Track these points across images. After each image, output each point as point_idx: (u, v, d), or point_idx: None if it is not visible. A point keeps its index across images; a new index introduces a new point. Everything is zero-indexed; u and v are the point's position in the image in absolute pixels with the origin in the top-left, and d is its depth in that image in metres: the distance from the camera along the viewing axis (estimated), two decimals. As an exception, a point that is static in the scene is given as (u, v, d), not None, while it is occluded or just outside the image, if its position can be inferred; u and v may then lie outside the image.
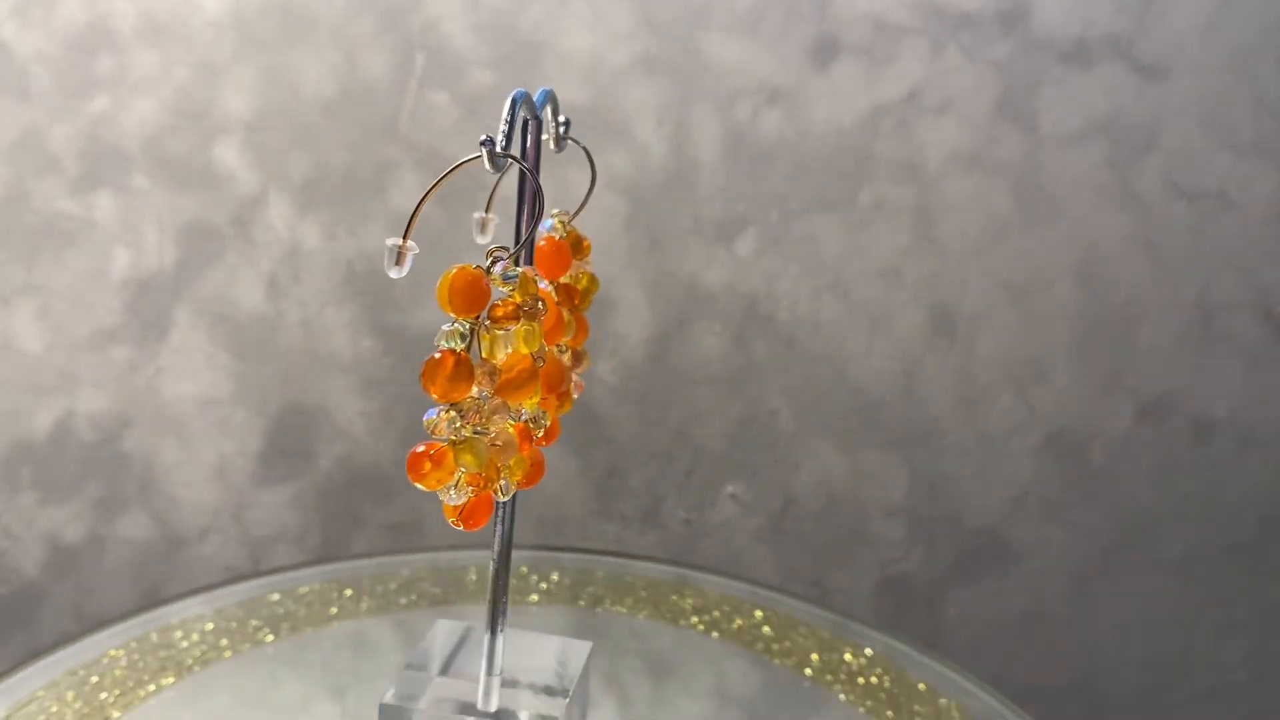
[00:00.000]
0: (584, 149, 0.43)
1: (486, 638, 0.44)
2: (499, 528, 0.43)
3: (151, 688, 0.55)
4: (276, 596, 0.63)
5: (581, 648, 0.49)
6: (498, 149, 0.36)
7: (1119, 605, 0.88)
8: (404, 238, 0.35)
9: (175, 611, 0.61)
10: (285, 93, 0.73)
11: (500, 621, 0.44)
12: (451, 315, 0.35)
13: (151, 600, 0.64)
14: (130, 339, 0.75)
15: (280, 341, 0.77)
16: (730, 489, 0.83)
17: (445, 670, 0.46)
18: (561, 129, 0.43)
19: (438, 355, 0.35)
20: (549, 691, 0.46)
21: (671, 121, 0.77)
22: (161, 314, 0.75)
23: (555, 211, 0.44)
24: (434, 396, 0.35)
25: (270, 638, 0.60)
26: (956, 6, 0.78)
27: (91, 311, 0.74)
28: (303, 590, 0.64)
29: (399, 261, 0.35)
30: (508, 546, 0.43)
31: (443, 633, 0.49)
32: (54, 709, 0.53)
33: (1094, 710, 0.90)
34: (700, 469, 0.83)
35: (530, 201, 0.39)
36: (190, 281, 0.75)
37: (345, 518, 0.80)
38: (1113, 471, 0.86)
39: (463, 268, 0.35)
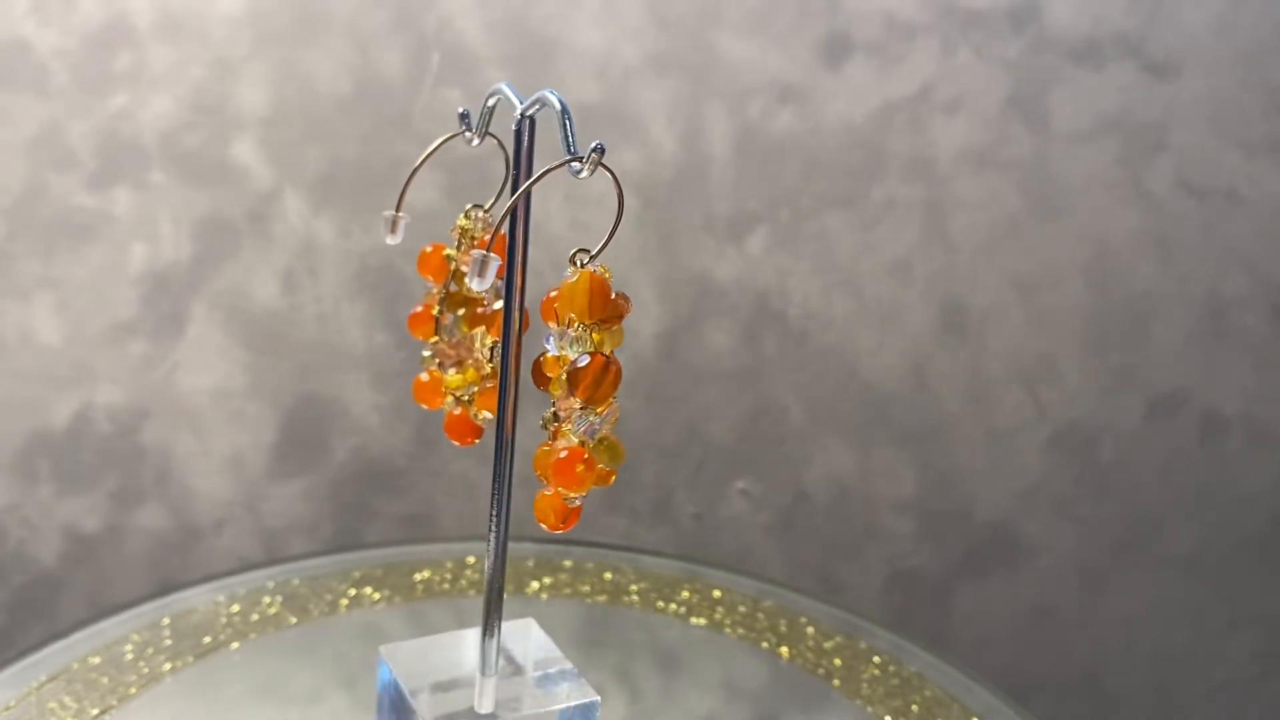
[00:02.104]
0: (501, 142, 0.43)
1: (482, 639, 0.43)
2: (495, 529, 0.42)
3: (161, 676, 0.54)
4: (288, 586, 0.62)
5: (525, 625, 0.48)
6: (583, 156, 0.35)
7: (1128, 601, 0.87)
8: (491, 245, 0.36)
9: (186, 599, 0.60)
10: (300, 88, 0.72)
11: (496, 622, 0.43)
12: (574, 318, 0.35)
13: (171, 587, 0.63)
14: (147, 333, 0.74)
15: (295, 335, 0.76)
16: (740, 484, 0.82)
17: (428, 686, 0.45)
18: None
19: (583, 361, 0.35)
20: (560, 677, 0.45)
21: (683, 119, 0.76)
22: (178, 308, 0.74)
23: (470, 207, 0.43)
24: (581, 401, 0.35)
25: (282, 627, 0.59)
26: (967, 4, 0.77)
27: (109, 305, 0.73)
28: (315, 580, 0.63)
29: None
30: (503, 547, 0.42)
31: (395, 654, 0.46)
32: (63, 695, 0.52)
33: (1103, 705, 0.88)
34: (710, 464, 0.82)
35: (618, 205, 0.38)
36: (206, 276, 0.74)
37: (358, 509, 0.79)
38: (1122, 467, 0.84)
39: (591, 273, 0.35)
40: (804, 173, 0.78)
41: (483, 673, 0.43)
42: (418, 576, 0.64)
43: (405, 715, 0.44)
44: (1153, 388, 0.83)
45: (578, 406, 0.36)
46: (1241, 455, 0.84)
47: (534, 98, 0.37)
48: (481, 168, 0.75)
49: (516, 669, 0.45)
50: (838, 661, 0.59)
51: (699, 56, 0.75)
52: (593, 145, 0.34)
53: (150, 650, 0.56)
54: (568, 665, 0.46)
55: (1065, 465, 0.84)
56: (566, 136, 0.35)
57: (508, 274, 0.39)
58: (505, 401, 0.40)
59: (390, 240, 0.41)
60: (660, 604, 0.63)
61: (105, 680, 0.53)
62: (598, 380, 0.35)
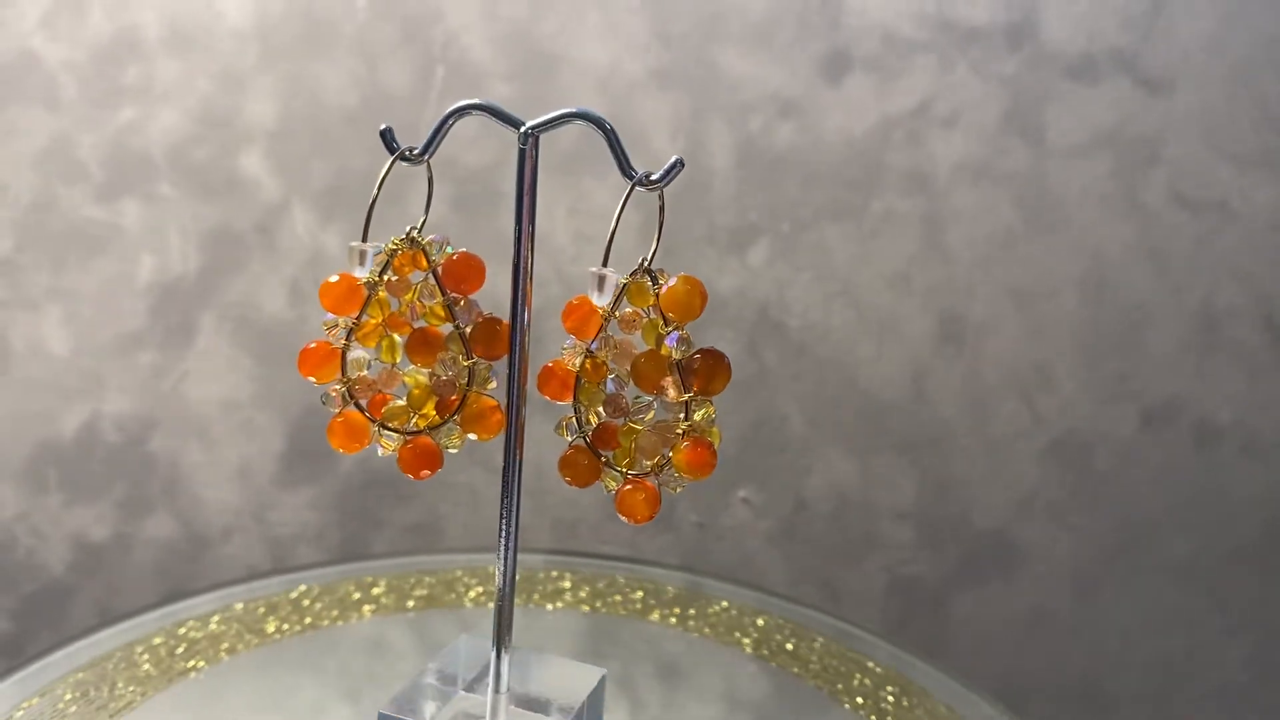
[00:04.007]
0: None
1: (492, 655, 0.40)
2: (505, 550, 0.40)
3: (166, 685, 0.52)
4: (293, 596, 0.60)
5: (594, 673, 0.45)
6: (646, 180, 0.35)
7: (1124, 608, 0.84)
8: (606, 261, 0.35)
9: (191, 609, 0.58)
10: (307, 102, 0.70)
11: (506, 639, 0.40)
12: (674, 319, 0.36)
13: (176, 596, 0.60)
14: (155, 343, 0.71)
15: (302, 346, 0.73)
16: (742, 493, 0.80)
17: (455, 684, 0.43)
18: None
19: (698, 356, 0.35)
20: (557, 710, 0.42)
21: (685, 133, 0.74)
22: (186, 319, 0.72)
23: (409, 229, 0.39)
24: (693, 393, 0.36)
25: (286, 638, 0.56)
26: (965, 21, 0.74)
27: (117, 316, 0.71)
28: (320, 591, 0.60)
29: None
30: (513, 568, 0.40)
31: (465, 647, 0.45)
32: (69, 704, 0.49)
33: (1099, 711, 0.86)
34: (713, 473, 0.79)
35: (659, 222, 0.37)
36: (214, 287, 0.71)
37: (364, 519, 0.77)
38: (1118, 476, 0.82)
39: (693, 277, 0.36)
40: (804, 186, 0.75)
41: (495, 690, 0.41)
42: (422, 588, 0.62)
43: None
44: (1147, 397, 0.81)
45: (685, 399, 0.36)
46: (1235, 463, 0.82)
47: (561, 113, 0.35)
48: (486, 180, 0.72)
49: (530, 699, 0.43)
50: (838, 673, 0.57)
51: (701, 71, 0.73)
52: (673, 160, 0.35)
53: (155, 660, 0.53)
54: (572, 711, 0.43)
55: (1061, 473, 0.81)
56: (621, 155, 0.35)
57: (516, 286, 0.37)
58: (514, 417, 0.38)
59: (358, 273, 0.37)
60: (662, 615, 0.61)
61: (111, 689, 0.51)
62: (713, 372, 0.36)
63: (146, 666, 0.53)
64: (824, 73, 0.74)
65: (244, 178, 0.70)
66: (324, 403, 0.39)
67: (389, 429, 0.38)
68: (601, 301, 0.35)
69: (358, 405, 0.38)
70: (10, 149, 0.67)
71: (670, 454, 0.36)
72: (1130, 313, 0.79)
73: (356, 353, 0.38)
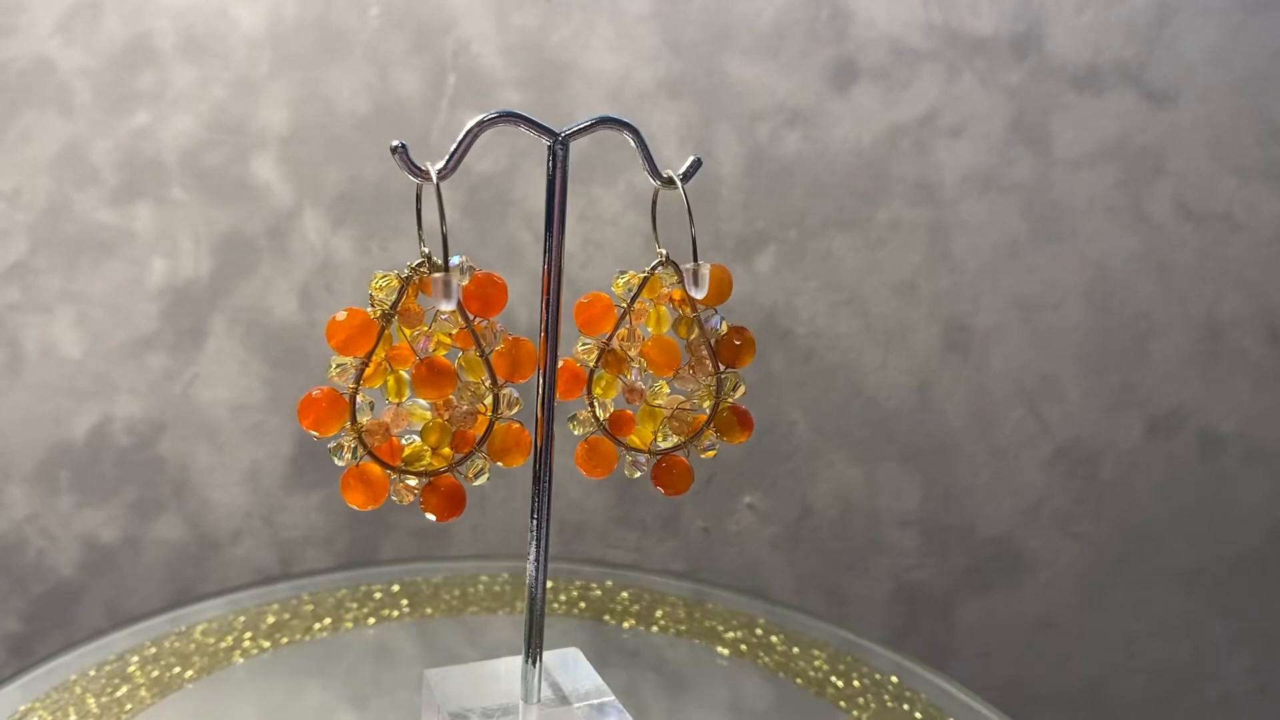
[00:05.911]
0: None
1: (524, 665, 0.38)
2: (537, 553, 0.38)
3: (173, 689, 0.50)
4: (300, 602, 0.58)
5: (573, 654, 0.43)
6: (676, 178, 0.36)
7: (1128, 615, 0.82)
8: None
9: (199, 613, 0.56)
10: (320, 108, 0.69)
11: (538, 649, 0.38)
12: (710, 306, 0.37)
13: (184, 600, 0.59)
14: (166, 346, 0.70)
15: (312, 350, 0.72)
16: (748, 499, 0.78)
17: (476, 715, 0.40)
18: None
19: (724, 331, 0.37)
20: (593, 693, 0.41)
21: (694, 141, 0.72)
22: (197, 322, 0.70)
23: (426, 253, 0.35)
24: (729, 366, 0.37)
25: (293, 644, 0.55)
26: (972, 32, 0.73)
27: (129, 319, 0.69)
28: (326, 596, 0.59)
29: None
30: (544, 576, 0.38)
31: (442, 680, 0.41)
32: (77, 706, 0.48)
33: (1103, 718, 0.84)
34: (719, 479, 0.77)
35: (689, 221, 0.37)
36: (225, 291, 0.70)
37: (373, 522, 0.75)
38: (1123, 484, 0.80)
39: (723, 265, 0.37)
40: (811, 194, 0.74)
41: (525, 700, 0.39)
42: (429, 594, 0.60)
43: None
44: (1152, 406, 0.79)
45: (719, 374, 0.37)
46: (1239, 472, 0.80)
47: (594, 119, 0.34)
48: (498, 186, 0.71)
49: (561, 699, 0.41)
50: (841, 683, 0.55)
51: (710, 80, 0.71)
52: (693, 159, 0.37)
53: (164, 662, 0.52)
54: (610, 697, 0.41)
55: (1066, 482, 0.79)
56: (650, 159, 0.35)
57: (550, 295, 0.35)
58: (549, 431, 0.36)
59: (444, 306, 0.32)
60: (667, 624, 0.59)
61: (119, 691, 0.49)
62: (742, 347, 0.37)
63: (155, 669, 0.51)
64: (831, 82, 0.72)
65: (256, 183, 0.69)
66: (334, 456, 0.33)
67: (410, 474, 0.34)
68: (699, 294, 0.36)
69: (371, 454, 0.33)
70: (24, 154, 0.66)
71: (711, 426, 0.37)
72: (1135, 322, 0.78)
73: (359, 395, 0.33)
